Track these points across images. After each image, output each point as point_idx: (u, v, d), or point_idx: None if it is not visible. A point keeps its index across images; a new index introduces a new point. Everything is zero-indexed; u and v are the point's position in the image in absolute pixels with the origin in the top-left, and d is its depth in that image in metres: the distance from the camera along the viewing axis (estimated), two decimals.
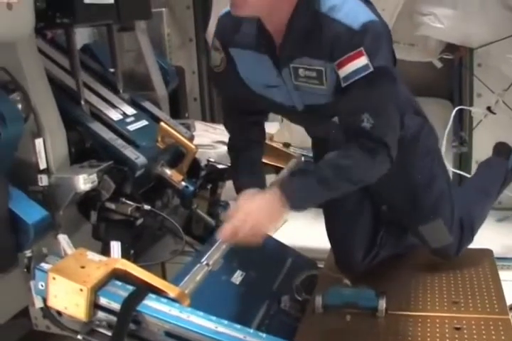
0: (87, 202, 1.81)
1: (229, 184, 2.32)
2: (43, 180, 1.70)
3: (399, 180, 2.02)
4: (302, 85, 1.75)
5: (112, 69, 2.31)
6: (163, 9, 2.70)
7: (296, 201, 1.66)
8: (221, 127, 3.16)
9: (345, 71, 1.63)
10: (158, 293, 1.39)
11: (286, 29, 1.69)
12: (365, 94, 1.66)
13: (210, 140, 2.92)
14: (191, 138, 2.27)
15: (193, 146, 2.07)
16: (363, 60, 1.61)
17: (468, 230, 2.25)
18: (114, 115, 2.06)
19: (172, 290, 1.41)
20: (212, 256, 1.61)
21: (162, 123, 2.03)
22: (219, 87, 2.20)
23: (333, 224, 2.27)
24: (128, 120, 2.09)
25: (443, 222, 2.13)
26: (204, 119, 3.74)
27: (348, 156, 1.70)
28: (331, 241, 2.29)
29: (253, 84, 1.89)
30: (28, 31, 1.62)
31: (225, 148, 2.17)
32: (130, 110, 2.16)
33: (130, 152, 1.88)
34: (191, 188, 2.05)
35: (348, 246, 2.23)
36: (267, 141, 2.33)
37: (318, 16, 1.64)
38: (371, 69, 1.61)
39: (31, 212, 1.61)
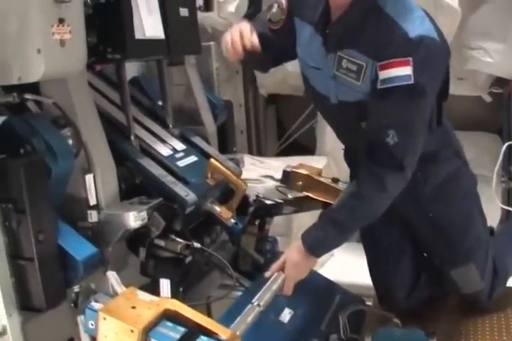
0: (137, 238, 1.78)
1: (277, 219, 2.28)
2: (93, 216, 1.68)
3: (435, 221, 1.97)
4: (340, 76, 1.74)
5: (160, 103, 2.31)
6: (212, 43, 2.70)
7: (318, 250, 1.78)
8: (268, 160, 3.15)
9: (386, 74, 1.61)
10: (210, 334, 1.34)
11: (345, 11, 1.67)
12: (396, 107, 1.64)
13: (257, 174, 2.88)
14: (240, 174, 2.23)
15: (243, 183, 2.04)
16: (407, 70, 1.58)
17: (502, 275, 2.18)
18: (164, 150, 2.04)
19: (224, 332, 1.35)
20: (264, 297, 1.56)
21: (212, 160, 2.01)
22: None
23: (374, 261, 2.24)
24: (178, 155, 2.07)
25: (475, 267, 2.08)
26: (251, 152, 3.73)
27: (360, 194, 1.72)
28: (372, 279, 2.25)
29: (301, 59, 1.90)
30: (81, 68, 1.62)
31: (272, 183, 2.13)
32: (180, 145, 2.14)
33: (180, 189, 1.86)
34: (240, 225, 2.02)
35: (389, 284, 2.20)
36: (315, 176, 2.28)
37: (380, 13, 1.63)
38: (411, 81, 1.58)
39: (80, 248, 1.60)
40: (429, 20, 1.65)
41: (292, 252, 1.79)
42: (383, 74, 1.61)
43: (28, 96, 1.65)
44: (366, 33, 1.65)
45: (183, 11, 2.04)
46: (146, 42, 1.81)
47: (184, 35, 2.03)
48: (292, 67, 3.31)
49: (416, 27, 1.59)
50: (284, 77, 3.39)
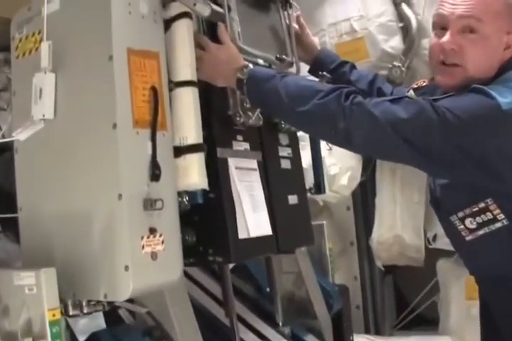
0: None
1: None
2: None
3: None
4: None
5: (268, 289, 2.11)
6: (324, 222, 2.47)
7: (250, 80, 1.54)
8: None
9: None
10: None
11: None
12: None
13: None
14: None
15: None
16: None
17: None
18: None
19: None
20: None
21: None
22: None
23: None
24: None
25: None
26: (367, 330, 3.36)
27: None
28: None
29: None
30: (176, 278, 1.41)
31: None
32: None
33: None
34: None
35: None
36: None
37: None
38: None
39: None
40: None
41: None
42: None
43: (119, 304, 1.47)
44: None
45: (292, 199, 1.84)
46: (251, 241, 1.59)
47: (294, 226, 1.82)
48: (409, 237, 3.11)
49: None
50: (401, 249, 3.11)
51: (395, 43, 2.78)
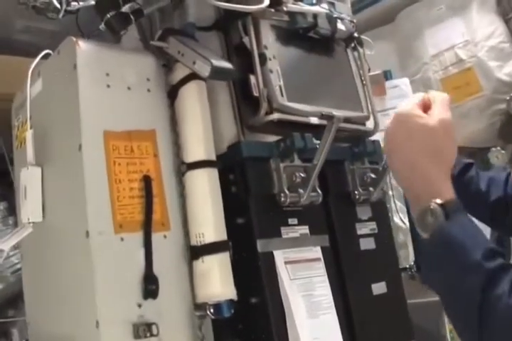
0: None
1: None
2: None
3: None
4: None
5: None
6: None
7: None
8: None
9: None
10: None
11: None
12: None
13: None
14: None
15: None
16: None
17: None
18: None
19: None
20: None
21: None
22: None
23: None
24: None
25: None
26: None
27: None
28: None
29: None
30: None
31: None
32: None
33: None
34: None
35: None
36: None
37: None
38: None
39: None
40: None
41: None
42: None
43: None
44: None
45: (378, 287, 1.42)
46: None
47: (382, 322, 1.40)
48: None
49: None
50: None
51: (511, 69, 2.22)
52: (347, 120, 1.42)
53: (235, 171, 1.26)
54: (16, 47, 1.50)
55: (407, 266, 1.58)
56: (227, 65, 1.11)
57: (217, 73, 1.09)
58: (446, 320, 1.93)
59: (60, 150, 1.10)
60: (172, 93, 1.19)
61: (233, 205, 1.24)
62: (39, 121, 1.19)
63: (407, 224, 1.66)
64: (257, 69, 1.26)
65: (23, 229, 1.16)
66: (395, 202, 1.79)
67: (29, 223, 1.15)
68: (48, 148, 1.16)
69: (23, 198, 1.16)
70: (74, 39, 1.08)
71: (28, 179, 1.15)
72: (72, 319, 1.06)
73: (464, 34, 2.24)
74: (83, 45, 1.08)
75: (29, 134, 1.16)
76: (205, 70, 1.09)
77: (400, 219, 1.77)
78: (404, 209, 1.67)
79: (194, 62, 1.11)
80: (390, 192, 1.74)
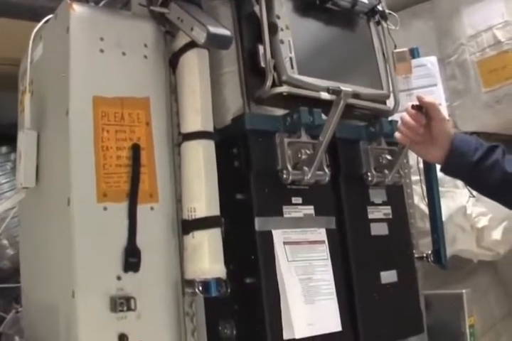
0: None
1: None
2: None
3: None
4: None
5: None
6: (463, 291, 1.84)
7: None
8: None
9: None
10: None
11: None
12: None
13: None
14: None
15: None
16: None
17: None
18: None
19: None
20: None
21: None
22: None
23: None
24: None
25: None
26: None
27: None
28: None
29: None
30: None
31: None
32: None
33: None
34: None
35: None
36: None
37: None
38: None
39: None
40: None
41: None
42: None
43: None
44: None
45: (387, 276, 1.36)
46: None
47: (389, 314, 1.33)
48: None
49: None
50: None
51: None
52: (364, 97, 1.35)
53: (238, 144, 1.21)
54: (35, 12, 1.48)
55: (424, 255, 1.50)
56: (225, 31, 1.06)
57: (213, 40, 1.04)
58: (466, 314, 1.83)
59: (53, 115, 1.08)
60: (173, 61, 1.14)
61: (235, 181, 1.20)
62: (39, 85, 1.17)
63: None
64: (265, 39, 1.20)
65: (17, 195, 1.15)
66: (422, 186, 1.71)
67: (22, 188, 1.14)
68: (44, 112, 1.14)
69: (19, 163, 1.15)
70: (68, 2, 1.05)
71: (24, 143, 1.13)
72: (55, 287, 1.05)
73: (504, 14, 2.09)
74: (78, 9, 1.04)
75: (27, 98, 1.15)
76: (201, 37, 1.04)
77: (425, 205, 1.68)
78: None
79: (192, 29, 1.06)
80: (415, 177, 1.66)
